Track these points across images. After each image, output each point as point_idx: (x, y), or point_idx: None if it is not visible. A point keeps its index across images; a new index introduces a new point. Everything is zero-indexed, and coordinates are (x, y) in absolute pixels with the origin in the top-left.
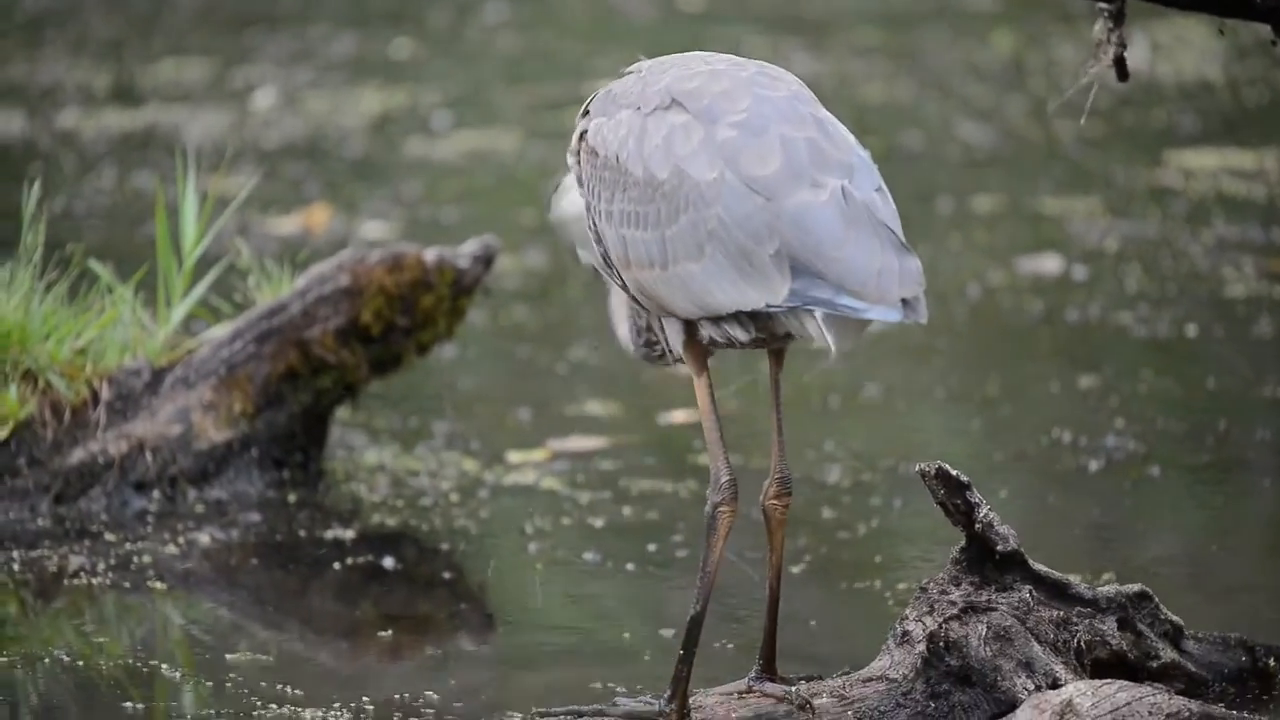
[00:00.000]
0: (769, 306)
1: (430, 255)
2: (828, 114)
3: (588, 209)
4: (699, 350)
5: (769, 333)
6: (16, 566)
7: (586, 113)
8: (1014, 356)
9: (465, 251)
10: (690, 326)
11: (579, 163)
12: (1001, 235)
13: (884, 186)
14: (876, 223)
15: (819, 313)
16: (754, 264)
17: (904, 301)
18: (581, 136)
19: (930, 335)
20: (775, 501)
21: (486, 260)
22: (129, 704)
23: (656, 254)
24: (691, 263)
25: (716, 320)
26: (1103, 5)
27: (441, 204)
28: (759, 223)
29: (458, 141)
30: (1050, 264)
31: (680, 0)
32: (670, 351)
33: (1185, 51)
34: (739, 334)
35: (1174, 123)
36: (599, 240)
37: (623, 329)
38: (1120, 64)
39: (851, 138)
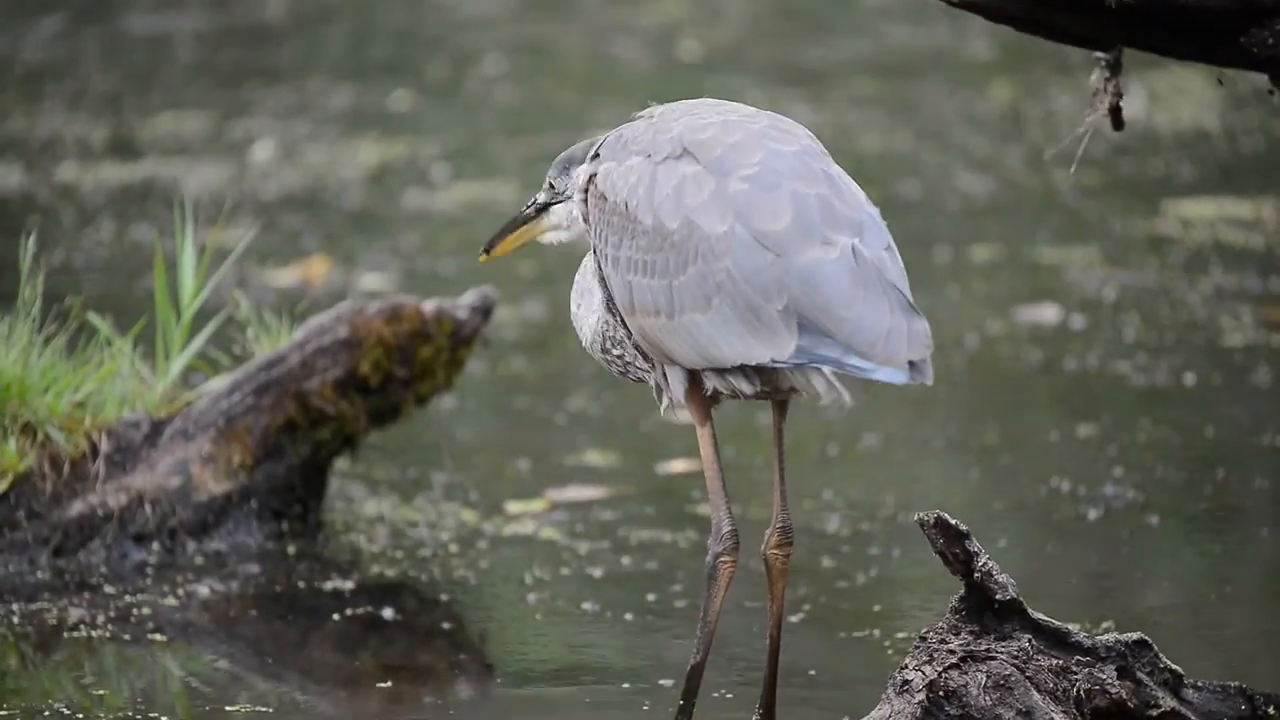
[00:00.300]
0: (775, 362)
1: (429, 306)
2: (838, 169)
3: (594, 251)
4: (702, 400)
5: (773, 386)
6: (16, 619)
7: (597, 155)
8: (1012, 406)
9: (464, 302)
10: (694, 376)
11: (585, 203)
12: (999, 285)
13: (893, 245)
14: (885, 283)
15: (825, 370)
16: (761, 319)
17: (910, 363)
18: (591, 179)
19: (929, 385)
20: (776, 551)
21: (485, 311)
22: None
23: (663, 303)
24: (698, 314)
25: (721, 372)
26: (1100, 55)
27: (440, 255)
28: (768, 278)
29: (456, 193)
30: (1048, 313)
31: (679, 51)
32: (672, 400)
33: (1183, 101)
34: (744, 386)
35: (1172, 172)
36: (604, 284)
37: (589, 326)
38: (1115, 113)
39: (861, 194)
